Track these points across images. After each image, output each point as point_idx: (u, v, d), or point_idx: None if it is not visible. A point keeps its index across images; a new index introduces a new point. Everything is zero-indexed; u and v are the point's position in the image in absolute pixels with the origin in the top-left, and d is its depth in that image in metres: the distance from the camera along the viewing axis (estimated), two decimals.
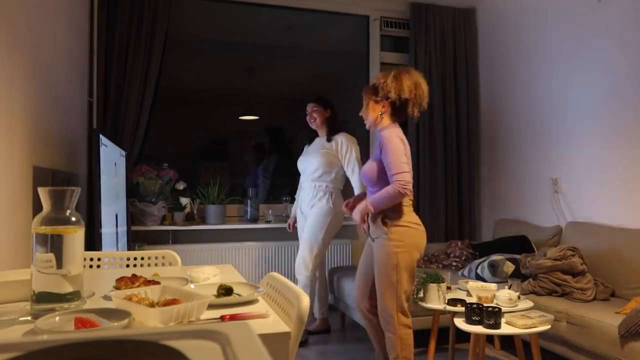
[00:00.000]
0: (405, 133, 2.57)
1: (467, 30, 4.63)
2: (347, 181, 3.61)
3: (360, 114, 2.65)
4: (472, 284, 2.68)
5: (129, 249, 3.31)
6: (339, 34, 4.89)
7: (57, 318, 1.04)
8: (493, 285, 2.64)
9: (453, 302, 2.58)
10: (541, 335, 2.55)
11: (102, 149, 2.57)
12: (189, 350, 0.50)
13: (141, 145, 3.79)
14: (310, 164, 3.56)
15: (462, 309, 2.42)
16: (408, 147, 2.50)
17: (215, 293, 1.35)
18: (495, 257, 3.37)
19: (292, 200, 4.17)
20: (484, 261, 3.39)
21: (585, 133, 3.54)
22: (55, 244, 1.14)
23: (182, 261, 2.17)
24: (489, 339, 3.32)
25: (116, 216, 2.97)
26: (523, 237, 3.69)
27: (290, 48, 4.89)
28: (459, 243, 4.02)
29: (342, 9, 4.53)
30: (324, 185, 3.51)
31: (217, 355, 0.51)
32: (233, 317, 1.16)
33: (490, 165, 4.56)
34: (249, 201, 4.12)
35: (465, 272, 3.53)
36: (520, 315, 2.35)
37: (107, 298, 1.32)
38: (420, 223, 2.51)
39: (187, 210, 3.96)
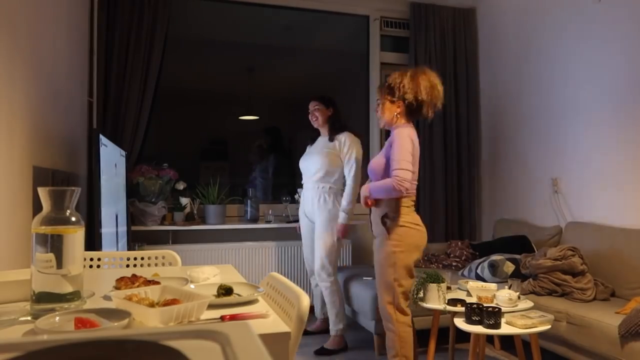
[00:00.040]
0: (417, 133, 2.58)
1: (467, 30, 4.63)
2: None
3: (376, 114, 2.66)
4: (472, 284, 2.68)
5: (129, 249, 3.31)
6: (339, 34, 4.89)
7: (57, 318, 1.04)
8: (493, 285, 2.64)
9: (453, 302, 2.58)
10: (541, 335, 2.55)
11: (102, 149, 2.57)
12: (189, 350, 0.50)
13: (141, 145, 3.79)
14: (312, 164, 3.50)
15: (462, 309, 2.42)
16: (418, 148, 2.50)
17: (215, 293, 1.35)
18: (495, 257, 3.37)
19: (293, 201, 4.17)
20: (484, 261, 3.39)
21: (585, 133, 3.54)
22: (55, 244, 1.14)
23: (182, 261, 2.17)
24: (489, 339, 3.32)
25: (116, 216, 2.97)
26: (523, 237, 3.69)
27: (290, 48, 4.89)
28: (459, 243, 4.02)
29: (342, 9, 4.53)
30: (327, 187, 3.43)
31: (217, 355, 0.51)
32: (233, 317, 1.16)
33: (490, 165, 4.56)
34: (249, 201, 4.12)
35: (465, 272, 3.53)
36: (520, 315, 2.35)
37: (107, 298, 1.32)
38: (421, 224, 2.52)
39: (187, 210, 3.96)
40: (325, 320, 3.65)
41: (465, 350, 3.11)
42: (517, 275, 3.22)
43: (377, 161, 2.55)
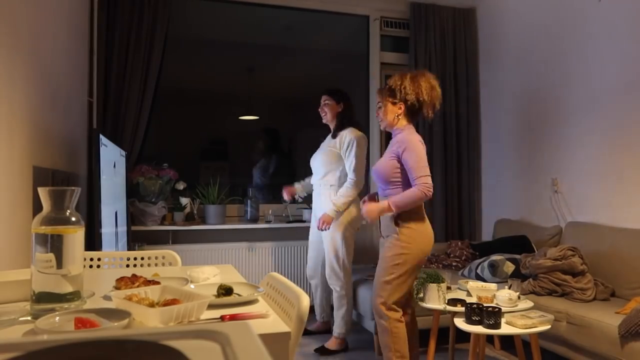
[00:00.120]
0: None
1: (467, 30, 4.63)
2: None
3: (377, 117, 2.71)
4: (472, 284, 2.68)
5: (129, 249, 3.31)
6: (339, 34, 4.89)
7: (57, 318, 1.04)
8: (493, 285, 2.64)
9: (453, 302, 2.58)
10: (541, 335, 2.55)
11: (102, 149, 2.57)
12: (189, 350, 0.50)
13: (141, 145, 3.79)
14: (316, 163, 3.44)
15: (462, 309, 2.42)
16: (425, 149, 2.58)
17: (215, 293, 1.35)
18: (495, 257, 3.37)
19: (293, 201, 4.16)
20: (484, 261, 3.39)
21: (585, 133, 3.53)
22: (55, 244, 1.14)
23: (182, 261, 2.17)
24: (489, 339, 3.32)
25: (116, 216, 2.97)
26: (523, 237, 3.69)
27: (290, 48, 4.89)
28: (459, 243, 4.02)
29: (342, 9, 4.53)
30: (329, 186, 3.36)
31: (217, 355, 0.51)
32: (233, 317, 1.16)
33: (490, 165, 4.56)
34: (249, 201, 4.12)
35: (465, 272, 3.53)
36: (520, 315, 2.35)
37: (107, 298, 1.32)
38: (430, 227, 2.58)
39: (187, 210, 3.96)
40: (327, 322, 3.63)
41: (465, 350, 3.11)
42: (517, 275, 3.22)
43: (382, 164, 2.57)
